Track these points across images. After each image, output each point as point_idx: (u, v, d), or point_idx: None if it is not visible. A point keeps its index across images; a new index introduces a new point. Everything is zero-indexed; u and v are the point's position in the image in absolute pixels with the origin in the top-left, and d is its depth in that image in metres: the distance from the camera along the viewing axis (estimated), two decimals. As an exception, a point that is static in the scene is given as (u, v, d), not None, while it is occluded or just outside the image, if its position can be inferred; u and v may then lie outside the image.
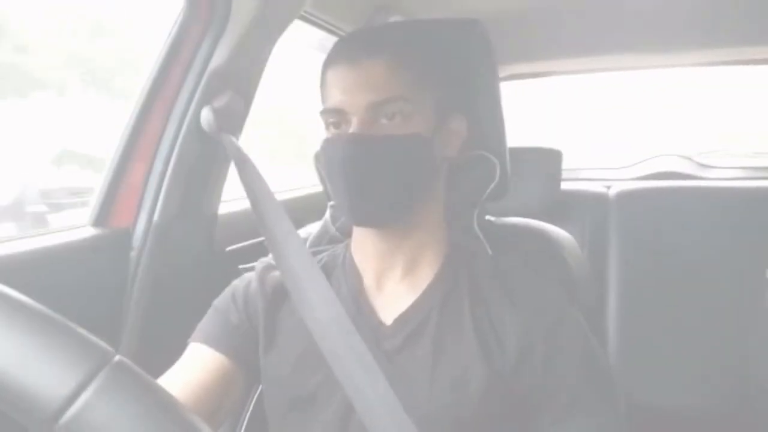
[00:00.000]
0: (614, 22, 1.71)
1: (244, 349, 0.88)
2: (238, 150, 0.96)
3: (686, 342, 1.74)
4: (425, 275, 0.87)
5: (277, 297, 0.89)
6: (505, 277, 0.86)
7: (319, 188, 1.00)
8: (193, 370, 0.85)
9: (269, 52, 1.21)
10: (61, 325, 0.39)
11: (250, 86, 1.21)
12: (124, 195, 1.13)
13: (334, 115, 0.82)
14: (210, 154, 1.17)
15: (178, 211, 1.16)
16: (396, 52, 0.82)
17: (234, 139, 1.04)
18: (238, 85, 1.16)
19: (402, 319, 0.84)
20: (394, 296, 0.86)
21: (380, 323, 0.85)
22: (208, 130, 1.07)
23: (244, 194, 0.93)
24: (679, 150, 2.46)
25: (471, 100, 0.97)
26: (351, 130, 0.79)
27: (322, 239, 1.06)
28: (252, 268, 0.94)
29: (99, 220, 1.13)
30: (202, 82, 1.12)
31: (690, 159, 2.37)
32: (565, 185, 1.93)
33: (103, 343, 0.39)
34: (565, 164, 1.90)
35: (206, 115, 1.08)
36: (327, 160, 0.83)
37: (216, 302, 0.93)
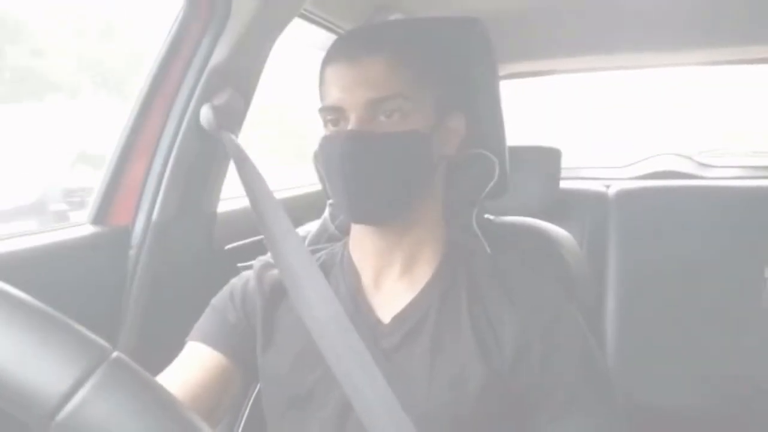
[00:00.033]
0: (614, 20, 1.71)
1: (242, 347, 0.88)
2: (238, 148, 0.96)
3: (685, 342, 1.73)
4: (423, 273, 0.87)
5: (275, 295, 0.89)
6: (504, 276, 0.86)
7: (318, 187, 1.00)
8: (191, 369, 0.85)
9: (269, 50, 1.21)
10: (58, 322, 0.39)
11: (250, 84, 1.21)
12: (124, 193, 1.13)
13: (333, 113, 0.82)
14: (209, 152, 1.17)
15: (178, 209, 1.16)
16: (395, 50, 0.82)
17: (233, 137, 1.04)
18: (237, 82, 1.15)
19: (400, 318, 0.84)
20: (392, 294, 0.86)
21: (378, 321, 0.85)
22: (207, 127, 1.07)
23: (243, 192, 0.93)
24: (680, 149, 2.46)
25: (470, 99, 0.97)
26: (349, 127, 0.79)
27: (321, 237, 1.06)
28: (251, 267, 0.94)
29: (98, 217, 1.13)
30: (202, 80, 1.12)
31: (690, 158, 2.37)
32: (564, 184, 1.93)
33: (100, 340, 0.39)
34: (565, 163, 1.90)
35: (206, 113, 1.08)
36: (325, 157, 0.83)
37: (214, 301, 0.93)
